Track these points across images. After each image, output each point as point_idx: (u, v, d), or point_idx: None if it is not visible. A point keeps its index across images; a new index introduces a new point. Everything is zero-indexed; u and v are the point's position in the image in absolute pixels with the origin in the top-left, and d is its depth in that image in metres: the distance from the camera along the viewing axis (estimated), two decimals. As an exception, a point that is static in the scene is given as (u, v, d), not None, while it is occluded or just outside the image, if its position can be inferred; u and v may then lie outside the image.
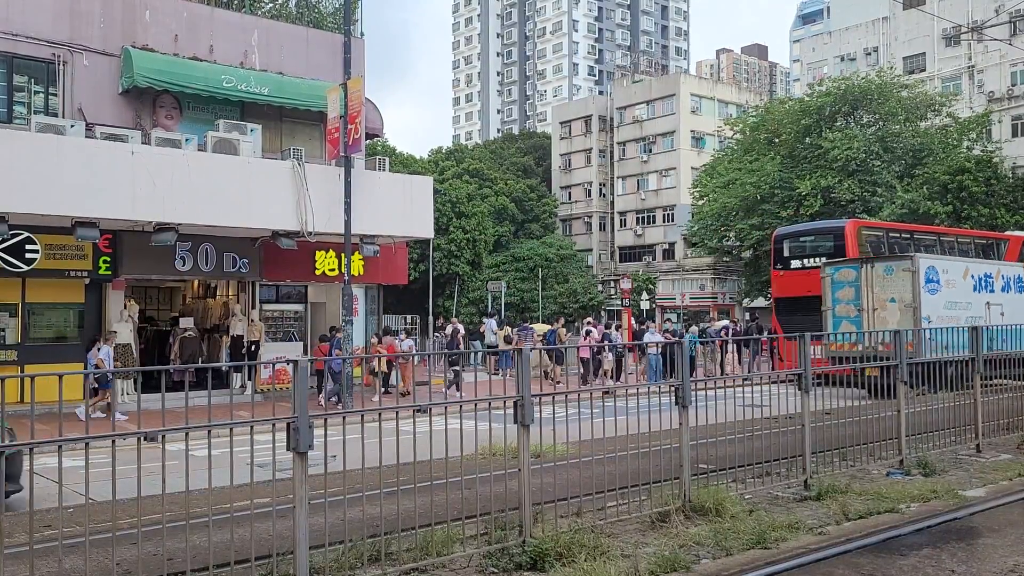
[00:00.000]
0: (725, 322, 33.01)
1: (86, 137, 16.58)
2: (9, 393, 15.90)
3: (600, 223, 72.70)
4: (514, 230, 61.68)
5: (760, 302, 44.88)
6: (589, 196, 73.10)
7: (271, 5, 24.56)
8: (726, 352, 20.66)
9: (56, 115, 17.67)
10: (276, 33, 21.05)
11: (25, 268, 16.61)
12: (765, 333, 23.52)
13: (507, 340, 25.52)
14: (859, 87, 40.16)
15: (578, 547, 6.16)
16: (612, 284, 61.47)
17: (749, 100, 64.14)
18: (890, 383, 9.89)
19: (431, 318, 42.23)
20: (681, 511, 7.28)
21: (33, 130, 15.88)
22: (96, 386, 15.42)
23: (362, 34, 22.23)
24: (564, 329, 25.80)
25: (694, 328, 28.29)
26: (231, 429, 5.40)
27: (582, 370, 22.28)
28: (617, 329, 28.41)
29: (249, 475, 5.58)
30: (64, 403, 4.97)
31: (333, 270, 20.25)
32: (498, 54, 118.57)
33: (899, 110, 40.57)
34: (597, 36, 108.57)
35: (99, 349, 15.98)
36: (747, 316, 38.18)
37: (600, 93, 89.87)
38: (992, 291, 20.83)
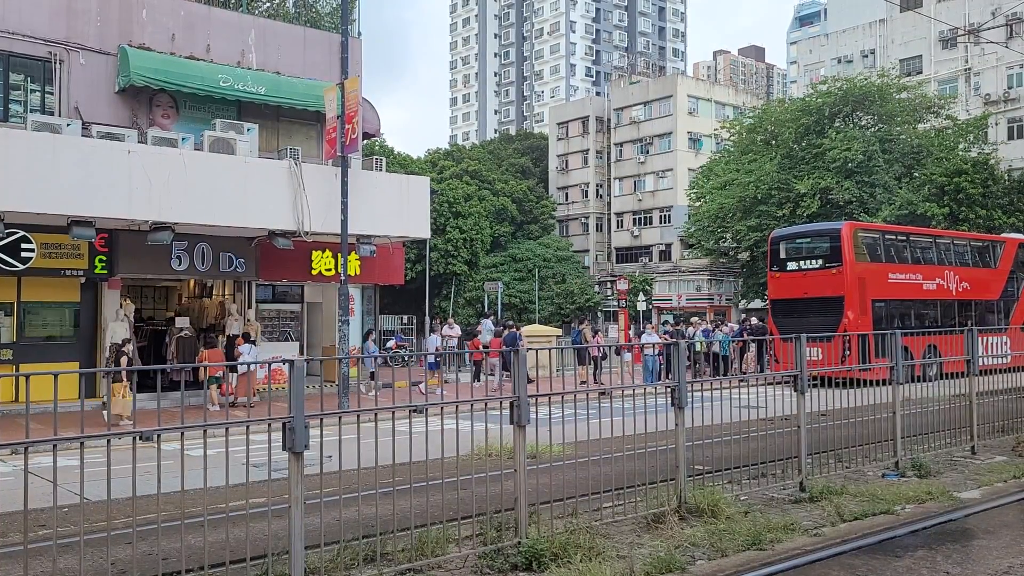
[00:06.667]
0: (732, 323, 33.15)
1: (82, 136, 16.53)
2: (4, 392, 15.81)
3: (597, 224, 72.75)
4: (513, 231, 61.74)
5: (757, 303, 44.94)
6: (586, 197, 73.14)
7: (268, 4, 24.49)
8: (747, 351, 21.08)
9: (52, 114, 17.64)
10: (273, 32, 21.02)
11: (21, 267, 16.57)
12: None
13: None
14: (860, 88, 40.23)
15: (573, 548, 6.17)
16: (609, 285, 61.52)
17: (746, 102, 64.22)
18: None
19: (427, 318, 42.25)
20: (676, 512, 7.28)
21: (29, 129, 15.83)
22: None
23: (359, 34, 22.23)
24: (589, 330, 25.86)
25: (725, 328, 28.23)
26: (227, 429, 5.40)
27: (593, 368, 22.88)
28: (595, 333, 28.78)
29: (245, 475, 5.57)
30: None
31: (330, 270, 20.22)
32: (496, 55, 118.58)
33: (899, 111, 40.67)
34: (594, 37, 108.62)
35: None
36: (743, 317, 38.21)
37: (597, 94, 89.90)
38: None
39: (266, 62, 20.52)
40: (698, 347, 18.85)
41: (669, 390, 7.66)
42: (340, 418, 6.09)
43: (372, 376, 19.80)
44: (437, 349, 22.28)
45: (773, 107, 46.96)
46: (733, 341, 21.63)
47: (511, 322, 31.00)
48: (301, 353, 21.22)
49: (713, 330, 26.91)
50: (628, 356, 20.80)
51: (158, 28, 19.13)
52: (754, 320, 27.38)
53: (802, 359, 8.64)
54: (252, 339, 19.62)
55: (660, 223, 67.00)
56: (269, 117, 20.59)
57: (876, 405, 9.83)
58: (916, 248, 25.29)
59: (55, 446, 4.78)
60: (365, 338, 22.23)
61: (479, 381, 20.34)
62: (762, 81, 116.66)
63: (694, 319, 33.38)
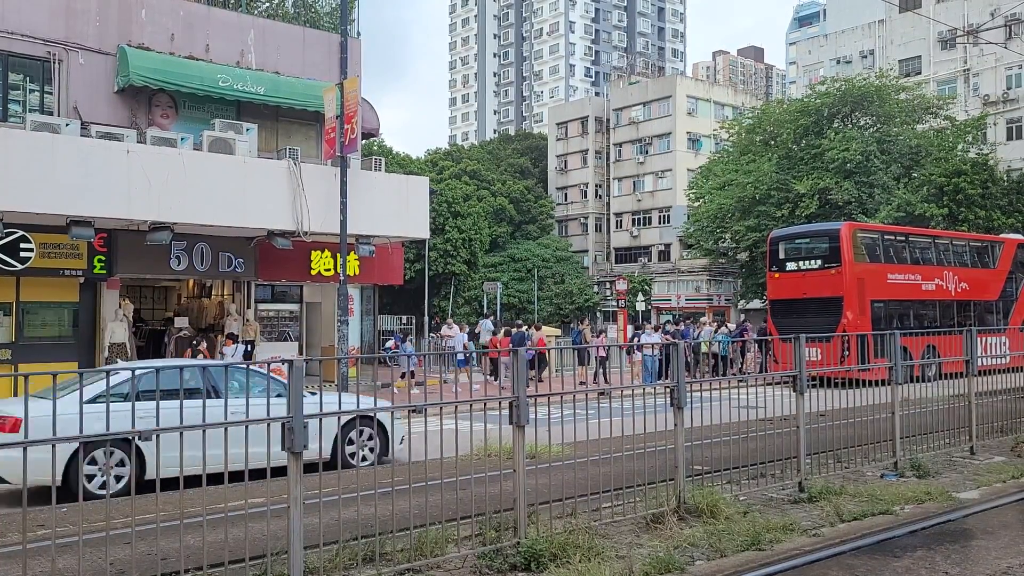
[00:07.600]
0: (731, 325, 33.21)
1: (81, 136, 16.52)
2: (4, 392, 15.72)
3: (596, 224, 72.77)
4: (511, 231, 61.75)
5: (756, 304, 44.96)
6: (585, 197, 73.17)
7: (267, 4, 24.47)
8: (748, 352, 21.07)
9: (51, 114, 17.61)
10: (272, 32, 21.00)
11: (19, 267, 16.55)
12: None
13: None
14: (859, 88, 40.25)
15: (572, 548, 6.17)
16: (608, 285, 61.53)
17: (745, 102, 64.25)
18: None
19: (427, 318, 42.25)
20: (675, 512, 7.28)
21: (28, 128, 15.82)
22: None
23: (359, 34, 22.21)
24: (589, 330, 25.91)
25: (724, 328, 28.24)
26: (225, 429, 5.39)
27: (595, 368, 22.90)
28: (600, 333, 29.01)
29: (244, 475, 5.56)
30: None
31: (329, 270, 20.21)
32: (495, 55, 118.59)
33: (897, 112, 40.69)
34: (594, 38, 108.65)
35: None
36: (741, 319, 38.26)
37: (596, 94, 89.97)
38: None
39: (265, 62, 20.50)
40: (704, 348, 18.85)
41: (668, 390, 7.66)
42: (339, 418, 6.09)
43: (412, 375, 20.13)
44: (464, 346, 22.62)
45: (772, 108, 46.98)
46: (733, 341, 21.64)
47: (519, 321, 31.54)
48: (300, 353, 21.20)
49: (715, 331, 26.92)
50: (637, 356, 20.69)
51: (157, 28, 19.11)
52: (761, 327, 27.40)
53: (801, 359, 8.64)
54: (251, 339, 19.63)
55: (659, 223, 67.02)
56: (268, 117, 20.57)
57: (875, 405, 9.83)
58: (915, 248, 25.30)
59: (54, 446, 4.78)
60: (403, 339, 24.25)
61: (497, 379, 20.68)
62: (761, 82, 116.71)
63: (702, 319, 33.43)
